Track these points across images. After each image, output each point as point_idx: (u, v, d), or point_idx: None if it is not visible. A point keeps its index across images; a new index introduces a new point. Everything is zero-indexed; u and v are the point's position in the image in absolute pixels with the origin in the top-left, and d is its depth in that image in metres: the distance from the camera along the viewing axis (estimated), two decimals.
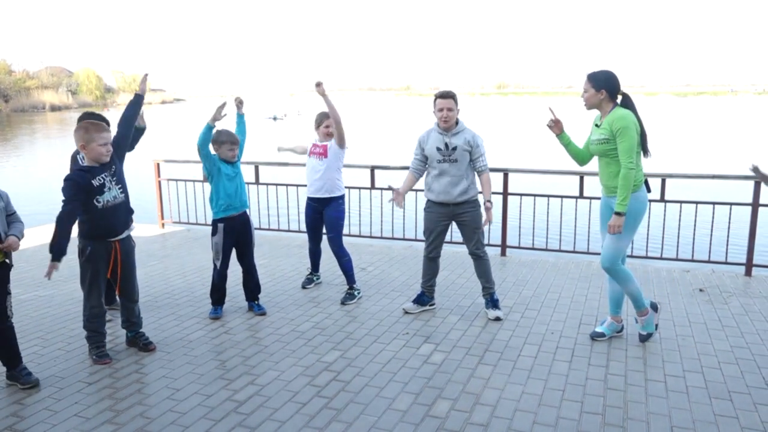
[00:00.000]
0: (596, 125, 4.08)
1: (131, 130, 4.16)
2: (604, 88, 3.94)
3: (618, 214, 3.88)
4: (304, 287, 5.51)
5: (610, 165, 3.99)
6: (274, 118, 54.09)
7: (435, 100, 4.64)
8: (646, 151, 3.98)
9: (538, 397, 3.47)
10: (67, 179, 3.77)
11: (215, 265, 4.82)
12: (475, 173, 4.70)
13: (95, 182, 3.79)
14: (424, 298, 4.93)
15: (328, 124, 5.11)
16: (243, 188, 4.84)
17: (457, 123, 4.64)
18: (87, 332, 4.07)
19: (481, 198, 4.70)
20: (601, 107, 4.02)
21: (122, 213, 3.96)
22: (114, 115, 5.20)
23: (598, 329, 4.32)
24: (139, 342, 4.22)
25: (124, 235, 4.01)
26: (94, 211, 3.81)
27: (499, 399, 3.45)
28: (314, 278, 5.61)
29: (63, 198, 3.74)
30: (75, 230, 3.83)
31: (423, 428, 3.16)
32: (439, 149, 4.62)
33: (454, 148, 4.58)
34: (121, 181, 3.95)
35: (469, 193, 4.66)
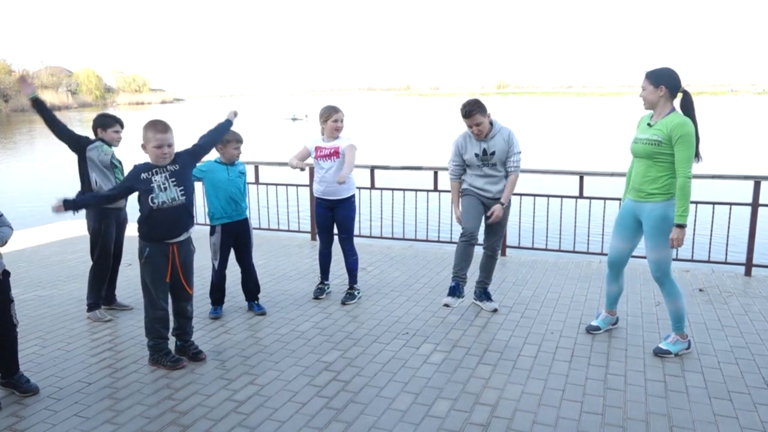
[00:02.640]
0: (648, 124, 3.87)
1: (212, 147, 4.26)
2: (664, 83, 3.75)
3: (679, 226, 3.72)
4: (316, 297, 5.22)
5: (651, 169, 3.80)
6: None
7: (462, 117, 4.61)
8: (698, 156, 3.77)
9: (538, 397, 3.47)
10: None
11: (214, 265, 4.83)
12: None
13: (143, 175, 3.73)
14: (461, 289, 4.69)
15: (337, 119, 4.92)
16: (242, 193, 4.79)
17: (492, 125, 4.65)
18: (150, 340, 3.93)
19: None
20: (658, 106, 3.81)
21: (181, 215, 3.83)
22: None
23: (594, 323, 4.39)
24: (188, 351, 4.06)
25: (182, 238, 3.89)
26: (149, 211, 3.73)
27: (498, 399, 3.45)
28: (325, 288, 5.32)
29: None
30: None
31: (423, 428, 3.17)
32: (477, 155, 4.66)
33: (493, 153, 4.64)
34: (183, 183, 3.81)
35: None
